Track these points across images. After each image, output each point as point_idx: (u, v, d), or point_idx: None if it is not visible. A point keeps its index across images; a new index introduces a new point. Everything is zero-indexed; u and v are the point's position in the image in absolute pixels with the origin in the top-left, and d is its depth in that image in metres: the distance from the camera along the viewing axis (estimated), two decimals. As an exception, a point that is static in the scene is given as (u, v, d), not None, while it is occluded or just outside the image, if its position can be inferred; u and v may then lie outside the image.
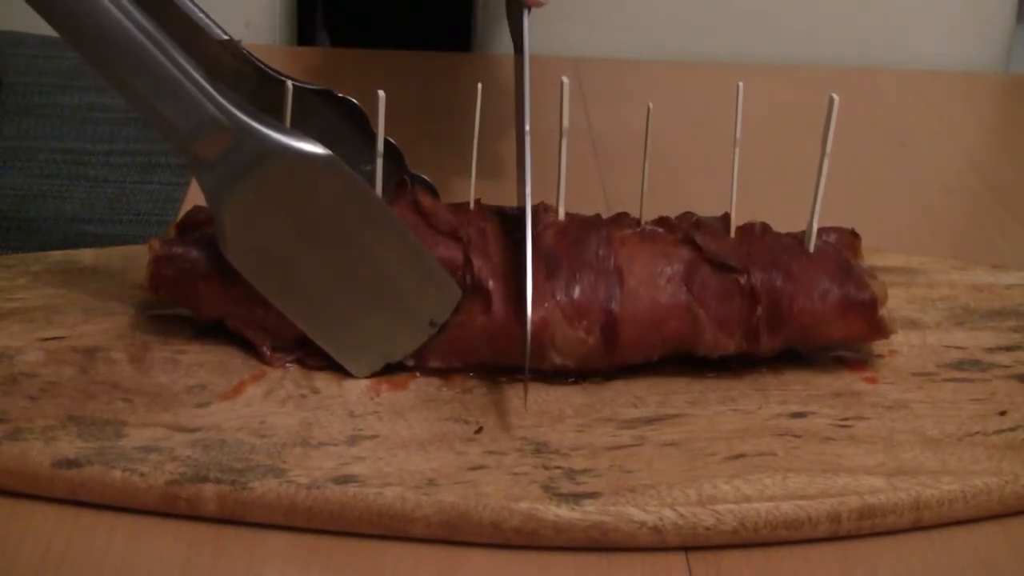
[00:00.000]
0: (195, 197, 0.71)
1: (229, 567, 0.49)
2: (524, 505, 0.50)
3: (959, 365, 0.60)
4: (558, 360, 0.57)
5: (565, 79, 0.56)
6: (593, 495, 0.51)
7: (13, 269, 0.63)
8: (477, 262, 0.57)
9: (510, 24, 0.64)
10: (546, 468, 0.52)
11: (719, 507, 0.51)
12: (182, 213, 0.70)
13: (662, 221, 0.59)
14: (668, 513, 0.50)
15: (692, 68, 0.95)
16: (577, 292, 0.56)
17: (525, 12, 0.61)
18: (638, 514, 0.50)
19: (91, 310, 0.60)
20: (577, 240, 0.57)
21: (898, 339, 0.60)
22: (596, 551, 0.51)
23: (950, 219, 0.76)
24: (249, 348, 0.58)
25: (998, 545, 0.52)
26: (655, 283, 0.56)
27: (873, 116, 0.87)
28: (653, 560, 0.51)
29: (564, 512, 0.50)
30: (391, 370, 0.57)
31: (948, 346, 0.61)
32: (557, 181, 0.58)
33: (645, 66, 0.93)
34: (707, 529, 0.50)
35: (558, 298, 0.56)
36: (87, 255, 0.64)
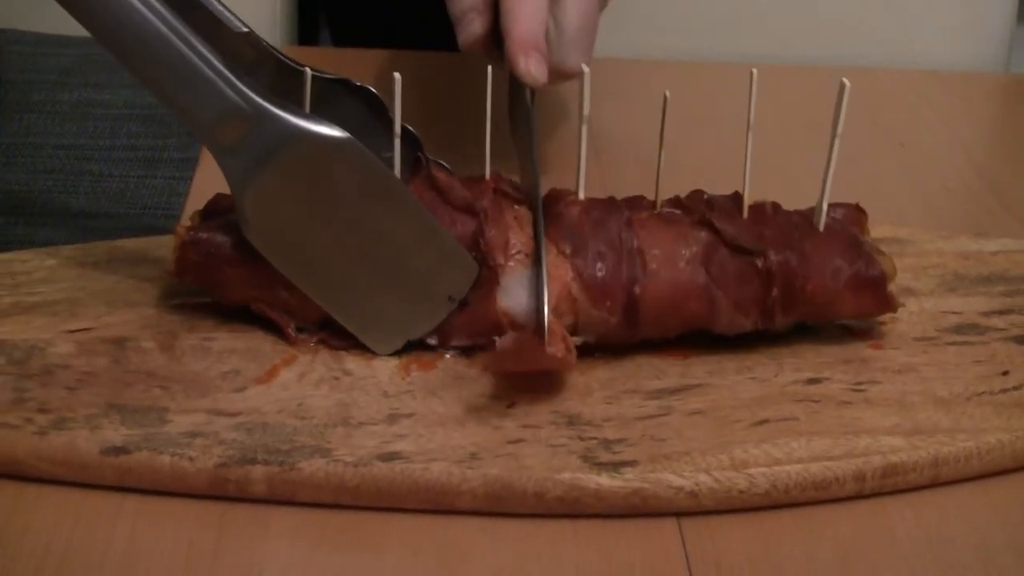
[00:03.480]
0: (199, 191, 0.72)
1: (232, 550, 0.50)
2: (566, 475, 0.52)
3: (958, 329, 0.62)
4: (579, 338, 0.58)
5: (586, 67, 0.58)
6: (631, 463, 0.52)
7: (29, 264, 0.63)
8: (491, 232, 0.58)
9: (511, 101, 0.66)
10: (582, 439, 0.54)
11: (752, 471, 0.53)
12: (187, 206, 0.72)
13: (676, 202, 0.61)
14: (704, 478, 0.52)
15: (693, 68, 0.95)
16: (601, 272, 0.58)
17: (527, 92, 0.63)
18: (676, 480, 0.52)
19: (113, 302, 0.61)
20: (599, 220, 0.59)
21: (897, 305, 0.62)
22: (591, 518, 0.52)
23: (950, 218, 0.77)
24: (276, 333, 0.59)
25: (1009, 510, 0.55)
26: (675, 265, 0.58)
27: (873, 116, 0.88)
28: (646, 525, 0.52)
29: (605, 480, 0.52)
30: (418, 350, 0.59)
31: (945, 311, 0.64)
32: (577, 167, 0.60)
33: (646, 66, 0.94)
34: (741, 492, 0.52)
35: (583, 277, 0.57)
36: (100, 248, 0.65)
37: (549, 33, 0.64)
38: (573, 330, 0.58)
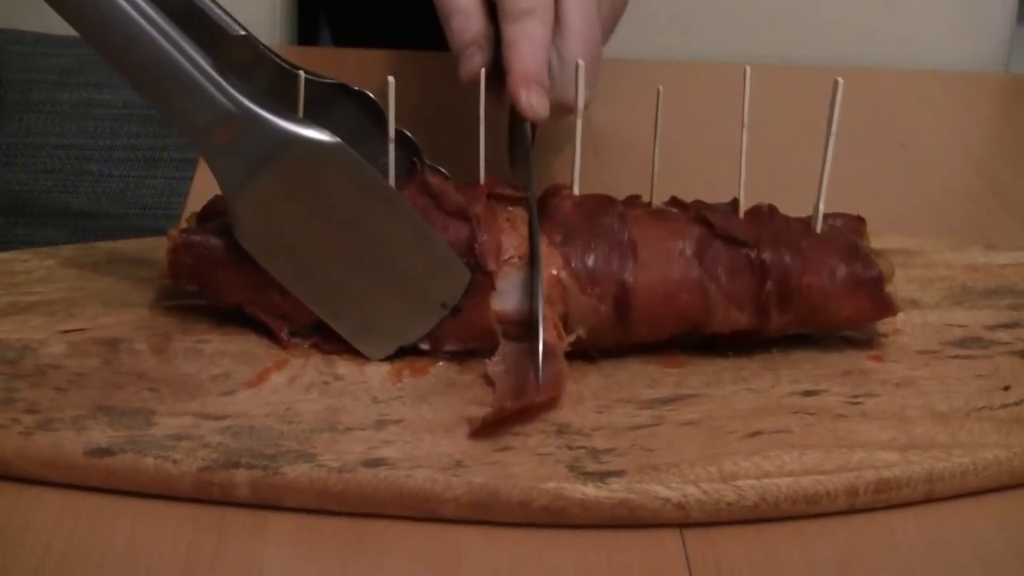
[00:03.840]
0: (199, 191, 0.72)
1: (232, 551, 0.50)
2: (552, 485, 0.51)
3: (961, 343, 0.62)
4: (571, 332, 0.58)
5: (580, 62, 0.58)
6: (618, 474, 0.52)
7: (29, 263, 0.63)
8: (483, 238, 0.58)
9: (511, 135, 0.66)
10: (570, 448, 0.53)
11: (740, 483, 0.52)
12: (187, 206, 0.72)
13: (673, 202, 0.60)
14: (691, 490, 0.52)
15: (692, 68, 0.95)
16: (591, 260, 0.57)
17: (527, 126, 0.63)
18: (663, 491, 0.51)
19: (110, 302, 0.61)
20: (592, 212, 0.58)
21: (900, 318, 0.61)
22: (592, 529, 0.52)
23: (950, 218, 0.76)
24: (270, 336, 0.59)
25: (1008, 515, 0.54)
26: (668, 257, 0.58)
27: (873, 116, 0.87)
28: (648, 536, 0.52)
29: (591, 491, 0.51)
30: (411, 356, 0.58)
31: (949, 324, 0.63)
32: (572, 162, 0.59)
33: (645, 66, 0.93)
34: (729, 505, 0.52)
35: (573, 265, 0.57)
36: (100, 248, 0.65)
37: (552, 67, 0.63)
38: (564, 322, 0.57)
